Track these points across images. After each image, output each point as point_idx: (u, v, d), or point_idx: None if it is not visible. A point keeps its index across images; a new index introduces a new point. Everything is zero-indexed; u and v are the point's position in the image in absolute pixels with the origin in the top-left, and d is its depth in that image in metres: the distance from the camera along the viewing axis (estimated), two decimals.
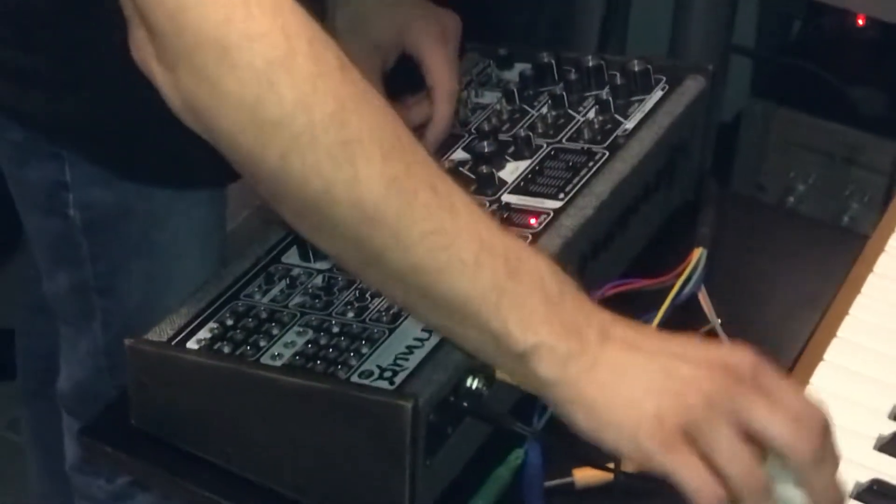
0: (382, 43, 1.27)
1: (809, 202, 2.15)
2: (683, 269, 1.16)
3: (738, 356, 0.87)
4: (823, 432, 0.86)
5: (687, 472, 0.83)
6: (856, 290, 1.12)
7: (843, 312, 1.10)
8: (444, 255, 0.86)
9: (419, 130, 1.24)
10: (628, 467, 1.01)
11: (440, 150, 1.21)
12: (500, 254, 0.87)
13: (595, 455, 1.01)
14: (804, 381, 1.03)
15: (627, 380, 0.86)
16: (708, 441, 0.84)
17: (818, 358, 1.05)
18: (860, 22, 2.18)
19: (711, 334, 1.12)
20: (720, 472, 0.84)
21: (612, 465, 0.99)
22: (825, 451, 0.86)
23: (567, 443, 1.03)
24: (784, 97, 2.17)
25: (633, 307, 1.11)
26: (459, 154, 1.21)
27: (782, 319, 1.19)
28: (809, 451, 0.84)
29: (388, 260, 0.87)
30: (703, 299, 1.15)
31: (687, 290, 1.15)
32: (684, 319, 1.13)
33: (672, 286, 1.15)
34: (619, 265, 1.20)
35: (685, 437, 0.84)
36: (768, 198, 2.16)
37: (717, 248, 1.21)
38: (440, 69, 1.25)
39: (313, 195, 0.85)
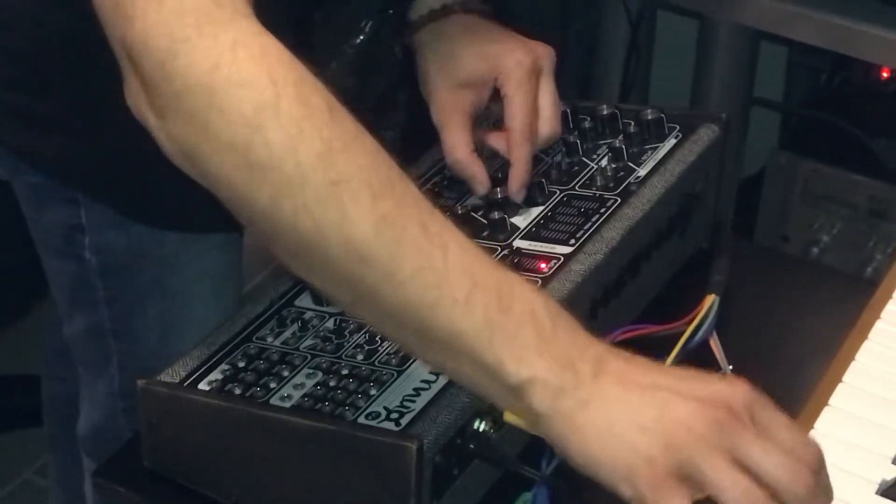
0: (472, 80, 1.24)
1: (833, 254, 2.15)
2: (695, 316, 1.16)
3: (733, 390, 0.87)
4: (818, 467, 0.86)
5: None
6: (863, 336, 1.12)
7: (850, 358, 1.10)
8: (435, 292, 0.86)
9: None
10: None
11: (454, 198, 1.22)
12: (492, 289, 0.88)
13: (603, 500, 1.02)
14: (809, 425, 1.03)
15: (621, 417, 0.86)
16: (704, 475, 0.84)
17: (824, 403, 1.05)
18: (885, 75, 2.18)
19: None
20: (721, 502, 0.84)
21: None
22: (819, 487, 0.86)
23: (575, 487, 1.03)
24: (809, 149, 2.17)
25: (644, 353, 1.12)
26: (473, 200, 1.22)
27: (794, 366, 1.19)
28: (804, 488, 0.85)
29: (380, 297, 0.87)
30: (715, 346, 1.15)
31: (698, 336, 1.15)
32: (695, 366, 1.13)
33: (683, 332, 1.15)
34: (632, 312, 1.20)
35: (679, 476, 0.84)
36: (792, 249, 2.16)
37: (732, 297, 1.21)
38: (520, 108, 1.21)
39: (304, 235, 0.86)
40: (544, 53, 1.24)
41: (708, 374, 0.91)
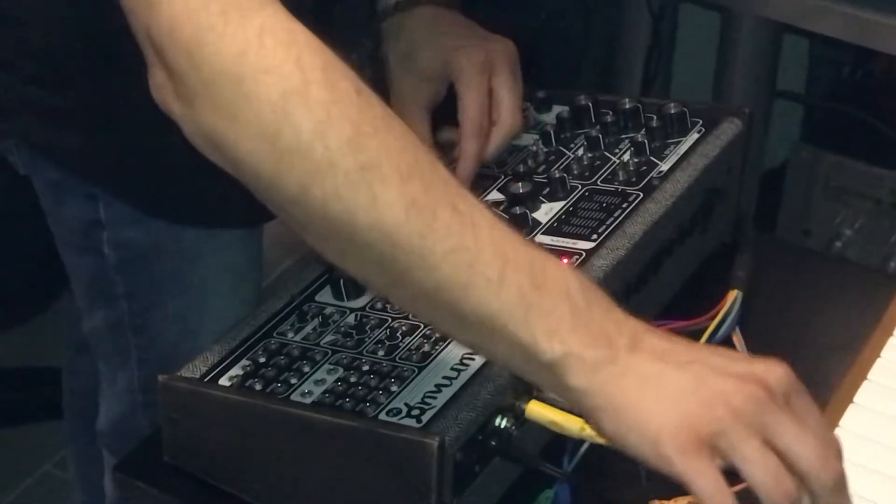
0: (429, 75, 1.27)
1: (856, 248, 2.14)
2: (718, 312, 1.15)
3: (772, 371, 0.87)
4: (842, 461, 0.86)
5: (702, 480, 0.83)
6: (888, 333, 1.12)
7: (876, 355, 1.09)
8: (468, 272, 0.86)
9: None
10: None
11: (475, 192, 1.22)
12: (524, 267, 0.87)
13: (625, 497, 1.01)
14: (835, 423, 1.03)
15: (656, 387, 0.86)
16: (734, 450, 0.84)
17: (849, 400, 1.04)
18: None
19: None
20: (748, 480, 0.83)
21: None
22: (844, 480, 0.85)
23: (597, 485, 1.03)
24: (832, 143, 2.16)
25: None
26: (494, 195, 1.22)
27: (817, 362, 1.18)
28: (832, 477, 0.84)
29: (413, 280, 0.87)
30: (738, 341, 1.14)
31: (721, 332, 1.14)
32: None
33: (706, 328, 1.14)
34: (654, 307, 1.20)
35: (708, 448, 0.84)
36: (814, 243, 2.15)
37: (755, 292, 1.21)
38: (470, 104, 1.24)
39: (335, 220, 0.87)
40: (500, 49, 1.26)
41: (747, 355, 0.91)
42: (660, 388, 0.86)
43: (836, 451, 0.86)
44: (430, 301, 0.89)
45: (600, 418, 0.87)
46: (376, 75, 1.38)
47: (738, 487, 0.85)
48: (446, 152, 1.24)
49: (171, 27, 0.87)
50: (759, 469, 0.83)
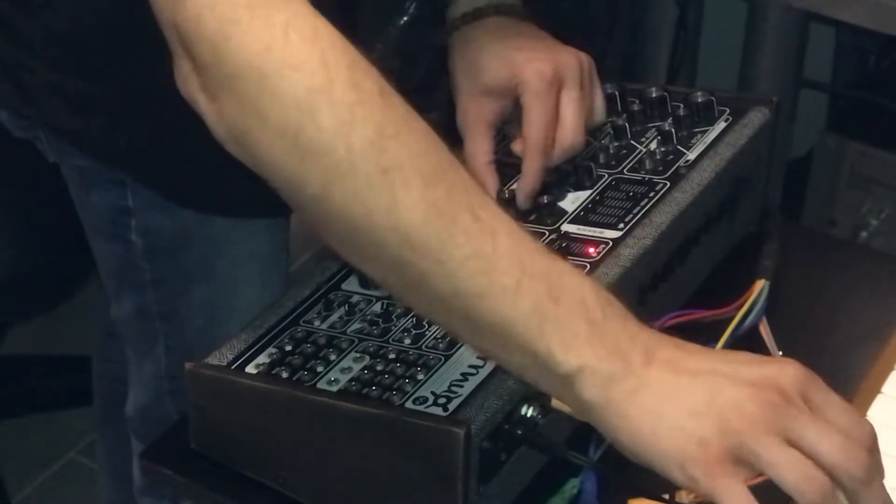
0: (494, 88, 1.22)
1: (882, 237, 2.13)
2: (745, 301, 1.15)
3: (785, 372, 0.87)
4: (872, 447, 0.86)
5: (730, 497, 0.83)
6: None
7: None
8: (484, 280, 0.86)
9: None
10: (683, 498, 1.01)
11: (501, 181, 1.22)
12: (542, 277, 0.87)
13: (650, 485, 1.01)
14: (861, 413, 1.02)
15: (672, 404, 0.86)
16: (759, 458, 0.84)
17: (876, 390, 1.04)
18: None
19: None
20: (781, 485, 0.83)
21: (666, 497, 0.99)
22: (874, 467, 0.85)
23: (622, 473, 1.03)
24: (858, 132, 2.15)
25: (693, 338, 1.11)
26: None
27: (845, 351, 1.18)
28: (860, 468, 0.84)
29: (430, 284, 0.87)
30: (765, 331, 1.14)
31: (748, 321, 1.14)
32: (745, 351, 1.13)
33: (733, 318, 1.14)
34: (680, 296, 1.20)
35: (732, 463, 0.84)
36: (840, 233, 2.14)
37: (782, 281, 1.20)
38: (534, 120, 1.18)
39: (354, 221, 0.86)
40: (571, 63, 1.21)
41: (759, 357, 0.90)
42: (676, 406, 0.86)
43: (863, 441, 0.85)
44: (445, 307, 0.89)
45: (617, 436, 0.87)
46: (401, 66, 1.38)
47: (759, 480, 0.85)
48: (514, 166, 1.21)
49: (196, 19, 0.87)
50: (788, 471, 0.83)
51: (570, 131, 1.20)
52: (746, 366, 0.88)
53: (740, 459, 0.84)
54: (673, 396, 0.86)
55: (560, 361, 0.86)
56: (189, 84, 0.90)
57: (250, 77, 0.85)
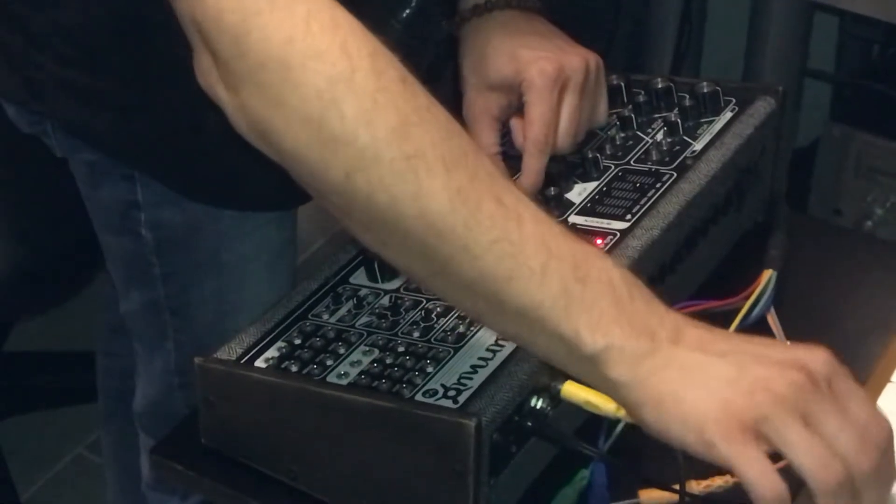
0: (499, 83, 1.22)
1: (888, 226, 2.13)
2: (753, 291, 1.15)
3: (814, 356, 0.87)
4: (886, 447, 0.85)
5: (747, 463, 0.83)
6: None
7: None
8: (511, 263, 0.86)
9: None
10: (694, 489, 1.01)
11: (509, 172, 1.21)
12: (567, 259, 0.87)
13: (661, 476, 1.01)
14: (871, 402, 1.02)
15: (698, 377, 0.86)
16: (778, 435, 0.83)
17: (886, 379, 1.04)
18: None
19: None
20: (794, 465, 0.83)
21: (677, 487, 0.99)
22: (883, 468, 0.85)
23: (633, 464, 1.03)
24: (863, 121, 2.15)
25: None
26: None
27: (853, 341, 1.18)
28: (869, 467, 0.84)
29: (455, 269, 0.87)
30: (773, 321, 1.14)
31: (756, 312, 1.14)
32: None
33: (741, 308, 1.14)
34: (688, 287, 1.20)
35: (753, 433, 0.83)
36: (845, 222, 2.14)
37: (789, 271, 1.20)
38: (535, 119, 1.18)
39: (379, 209, 0.86)
40: (577, 65, 1.20)
41: (785, 342, 0.90)
42: (702, 378, 0.85)
43: (878, 440, 0.85)
44: (471, 291, 0.89)
45: (641, 411, 0.87)
46: (404, 59, 1.37)
47: (780, 465, 0.84)
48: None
49: (217, 13, 0.86)
50: (805, 453, 0.83)
51: (562, 135, 1.20)
52: (774, 348, 0.89)
53: (760, 434, 0.84)
54: (700, 371, 0.86)
55: (587, 342, 0.86)
56: (210, 78, 0.90)
57: (273, 69, 0.85)
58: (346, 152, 0.85)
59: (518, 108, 1.22)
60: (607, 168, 1.21)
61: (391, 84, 0.86)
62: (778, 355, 0.87)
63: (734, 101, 1.27)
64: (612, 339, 0.86)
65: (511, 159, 1.21)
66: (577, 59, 1.21)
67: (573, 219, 1.15)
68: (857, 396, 0.87)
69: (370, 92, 0.85)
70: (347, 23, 0.87)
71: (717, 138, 1.22)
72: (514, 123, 1.21)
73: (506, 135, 1.24)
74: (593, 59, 1.22)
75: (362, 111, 0.85)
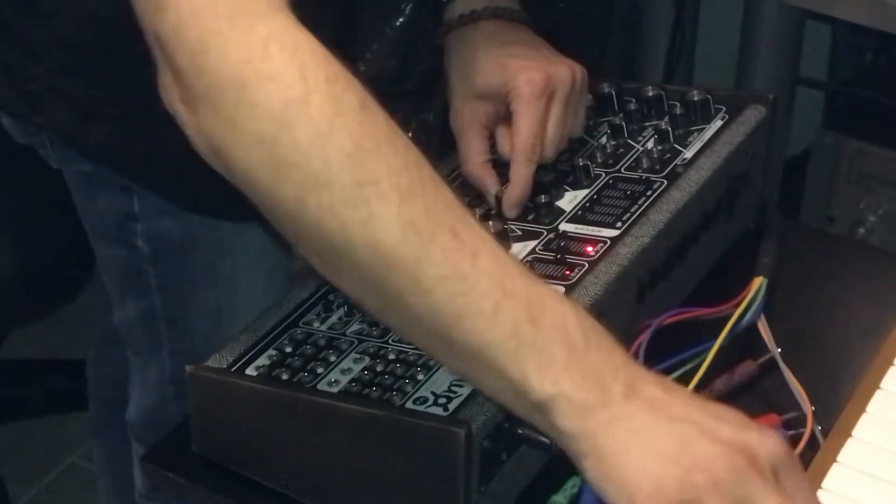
0: (486, 92, 1.21)
1: (880, 234, 2.14)
2: (743, 299, 1.15)
3: (763, 442, 0.84)
4: None
5: None
6: None
7: None
8: (461, 301, 0.85)
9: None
10: None
11: (500, 180, 1.22)
12: (522, 300, 0.85)
13: None
14: (861, 409, 1.02)
15: (642, 442, 0.84)
16: None
17: (875, 386, 1.04)
18: None
19: (771, 363, 1.12)
20: None
21: None
22: None
23: None
24: (855, 129, 2.15)
25: (691, 336, 1.12)
26: None
27: (844, 348, 1.19)
28: None
29: (405, 303, 0.86)
30: (763, 328, 1.14)
31: (746, 319, 1.14)
32: (744, 349, 1.13)
33: (731, 315, 1.14)
34: (679, 294, 1.20)
35: None
36: (838, 230, 2.14)
37: (780, 278, 1.21)
38: (522, 129, 1.18)
39: (329, 236, 0.85)
40: (564, 75, 1.20)
41: (746, 420, 0.87)
42: (644, 446, 0.83)
43: None
44: (421, 327, 0.87)
45: (583, 463, 0.85)
46: (398, 67, 1.37)
47: None
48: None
49: (177, 30, 0.86)
50: None
51: (547, 145, 1.20)
52: (728, 425, 0.85)
53: None
54: (644, 436, 0.84)
55: (535, 388, 0.85)
56: (170, 95, 0.90)
57: (229, 89, 0.85)
58: (297, 176, 0.84)
59: (505, 117, 1.22)
60: (598, 176, 1.21)
61: (349, 109, 0.85)
62: (728, 433, 0.84)
63: (725, 108, 1.27)
64: (560, 387, 0.84)
65: (503, 166, 1.21)
66: (564, 70, 1.21)
67: (563, 226, 1.15)
68: (803, 489, 0.84)
69: (326, 116, 0.84)
70: (308, 46, 0.86)
71: (707, 146, 1.22)
72: (501, 132, 1.21)
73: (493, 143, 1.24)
74: (579, 70, 1.22)
75: (316, 135, 0.84)
